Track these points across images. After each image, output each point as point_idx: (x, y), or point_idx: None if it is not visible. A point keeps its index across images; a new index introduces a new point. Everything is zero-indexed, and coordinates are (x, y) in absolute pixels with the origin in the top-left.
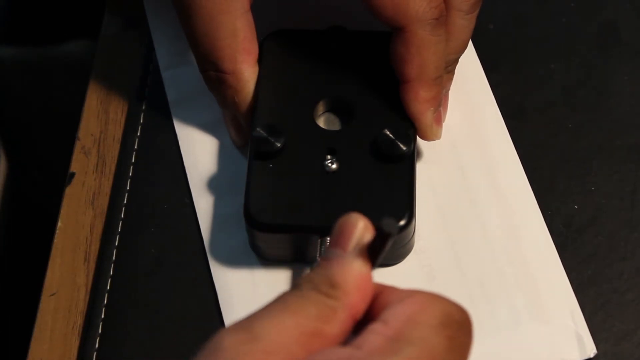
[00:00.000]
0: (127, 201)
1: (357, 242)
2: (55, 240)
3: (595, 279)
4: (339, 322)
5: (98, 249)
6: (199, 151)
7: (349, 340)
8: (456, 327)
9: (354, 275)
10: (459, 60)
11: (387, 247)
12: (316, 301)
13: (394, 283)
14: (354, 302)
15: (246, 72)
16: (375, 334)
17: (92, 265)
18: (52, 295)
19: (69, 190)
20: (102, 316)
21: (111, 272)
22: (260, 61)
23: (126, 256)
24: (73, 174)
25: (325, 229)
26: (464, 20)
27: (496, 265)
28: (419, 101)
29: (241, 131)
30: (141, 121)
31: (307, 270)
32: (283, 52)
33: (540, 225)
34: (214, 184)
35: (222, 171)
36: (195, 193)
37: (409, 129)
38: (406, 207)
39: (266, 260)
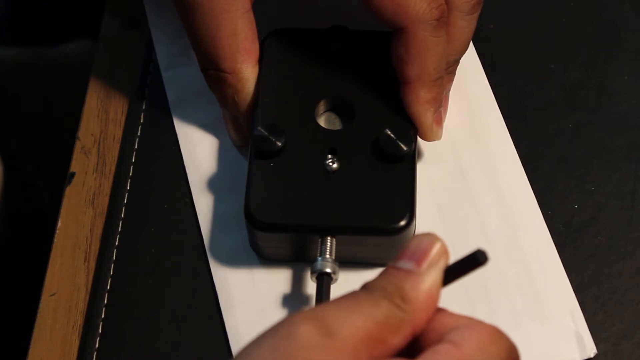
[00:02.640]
0: (127, 201)
1: (431, 261)
2: (55, 240)
3: (595, 279)
4: (403, 335)
5: (98, 249)
6: (199, 151)
7: (408, 355)
8: None
9: (425, 293)
10: (460, 60)
11: (468, 275)
12: (387, 310)
13: None
14: (421, 319)
15: (246, 72)
16: (446, 355)
17: (92, 265)
18: (52, 295)
19: (69, 190)
20: (102, 316)
21: (111, 272)
22: (261, 60)
23: (126, 256)
24: (73, 174)
25: (326, 228)
26: (464, 22)
27: (496, 265)
28: (419, 102)
29: (240, 131)
30: (141, 121)
31: (308, 271)
32: (284, 52)
33: (540, 225)
34: (214, 184)
35: (222, 171)
36: (195, 193)
37: (410, 129)
38: (407, 207)
39: (266, 259)
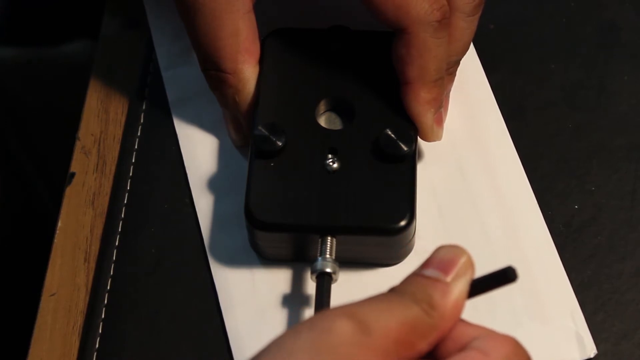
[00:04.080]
0: (127, 201)
1: (459, 272)
2: (55, 240)
3: (595, 279)
4: (429, 342)
5: (98, 249)
6: (199, 151)
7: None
8: None
9: (452, 302)
10: (460, 61)
11: (495, 290)
12: (417, 315)
13: (395, 283)
14: (446, 327)
15: (247, 72)
16: None
17: (92, 265)
18: (52, 295)
19: (69, 190)
20: (102, 316)
21: (111, 272)
22: (262, 60)
23: (126, 256)
24: (73, 174)
25: (326, 228)
26: (466, 22)
27: (496, 265)
28: (419, 103)
29: (241, 131)
30: (141, 121)
31: (308, 271)
32: (284, 51)
33: (540, 225)
34: (214, 184)
35: (222, 171)
36: (195, 193)
37: (411, 129)
38: (407, 207)
39: (266, 259)
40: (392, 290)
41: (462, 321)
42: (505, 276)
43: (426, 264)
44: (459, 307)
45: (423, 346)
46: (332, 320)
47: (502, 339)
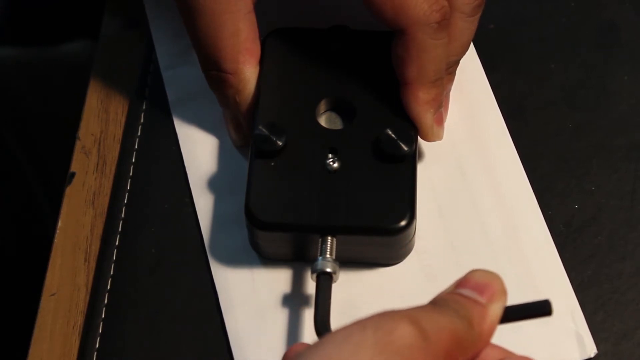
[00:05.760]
0: (127, 201)
1: (494, 296)
2: (55, 240)
3: (595, 279)
4: (466, 358)
5: (98, 249)
6: (199, 151)
7: None
8: None
9: (488, 324)
10: (460, 61)
11: (527, 320)
12: (462, 330)
13: (395, 283)
14: (481, 348)
15: (248, 72)
16: None
17: (92, 265)
18: (52, 295)
19: (69, 190)
20: (102, 316)
21: (111, 272)
22: (262, 60)
23: (126, 256)
24: (73, 174)
25: (326, 228)
26: (466, 23)
27: (496, 265)
28: (418, 103)
29: (241, 131)
30: (141, 121)
31: (308, 271)
32: (285, 51)
33: (540, 225)
34: (214, 184)
35: (222, 171)
36: (195, 193)
37: (411, 129)
38: (407, 207)
39: (267, 259)
40: (435, 304)
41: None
42: (541, 308)
43: (462, 284)
44: (493, 331)
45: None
46: (397, 322)
47: None
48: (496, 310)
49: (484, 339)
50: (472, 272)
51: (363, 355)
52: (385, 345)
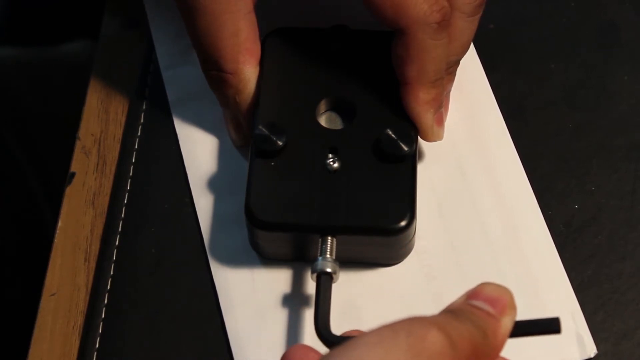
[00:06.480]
0: (127, 201)
1: (506, 309)
2: (55, 240)
3: (595, 279)
4: None
5: (98, 249)
6: (199, 151)
7: None
8: None
9: (501, 337)
10: (460, 61)
11: (536, 335)
12: (480, 340)
13: (395, 283)
14: (494, 358)
15: (248, 72)
16: None
17: (92, 265)
18: (52, 295)
19: (69, 190)
20: (102, 316)
21: (111, 272)
22: (262, 60)
23: (126, 256)
24: (73, 174)
25: (326, 228)
26: (466, 23)
27: (496, 265)
28: (418, 103)
29: (241, 131)
30: (141, 121)
31: (308, 271)
32: (285, 51)
33: (540, 225)
34: (214, 184)
35: (222, 171)
36: (195, 193)
37: (411, 129)
38: (407, 207)
39: (267, 259)
40: (453, 313)
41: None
42: (550, 325)
43: (473, 296)
44: (504, 343)
45: None
46: (428, 329)
47: None
48: (507, 324)
49: (497, 351)
50: (483, 285)
51: (395, 359)
52: (418, 351)
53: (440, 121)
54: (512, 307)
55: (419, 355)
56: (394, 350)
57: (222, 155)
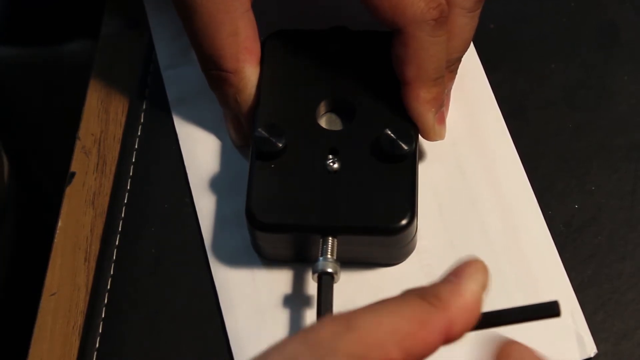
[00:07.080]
0: (127, 201)
1: (468, 274)
2: (55, 240)
3: (595, 279)
4: (433, 328)
5: (98, 249)
6: (200, 151)
7: None
8: None
9: (459, 295)
10: (461, 58)
11: (536, 320)
12: (415, 305)
13: (395, 283)
14: (452, 317)
15: (248, 71)
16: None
17: (92, 265)
18: (52, 295)
19: (69, 190)
20: (102, 316)
21: (111, 272)
22: (262, 61)
23: (126, 256)
24: (73, 174)
25: (327, 228)
26: (466, 18)
27: (496, 265)
28: (419, 102)
29: (241, 131)
30: (142, 121)
31: (309, 271)
32: (285, 53)
33: (540, 225)
34: (215, 184)
35: (222, 171)
36: (195, 193)
37: (411, 129)
38: (408, 206)
39: (267, 259)
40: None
41: (517, 344)
42: (549, 309)
43: (449, 273)
44: (468, 302)
45: (427, 334)
46: (320, 322)
47: None
48: (472, 286)
49: (453, 307)
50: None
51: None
52: (311, 341)
53: (441, 120)
54: (478, 269)
55: (308, 341)
56: (287, 343)
57: (222, 155)
